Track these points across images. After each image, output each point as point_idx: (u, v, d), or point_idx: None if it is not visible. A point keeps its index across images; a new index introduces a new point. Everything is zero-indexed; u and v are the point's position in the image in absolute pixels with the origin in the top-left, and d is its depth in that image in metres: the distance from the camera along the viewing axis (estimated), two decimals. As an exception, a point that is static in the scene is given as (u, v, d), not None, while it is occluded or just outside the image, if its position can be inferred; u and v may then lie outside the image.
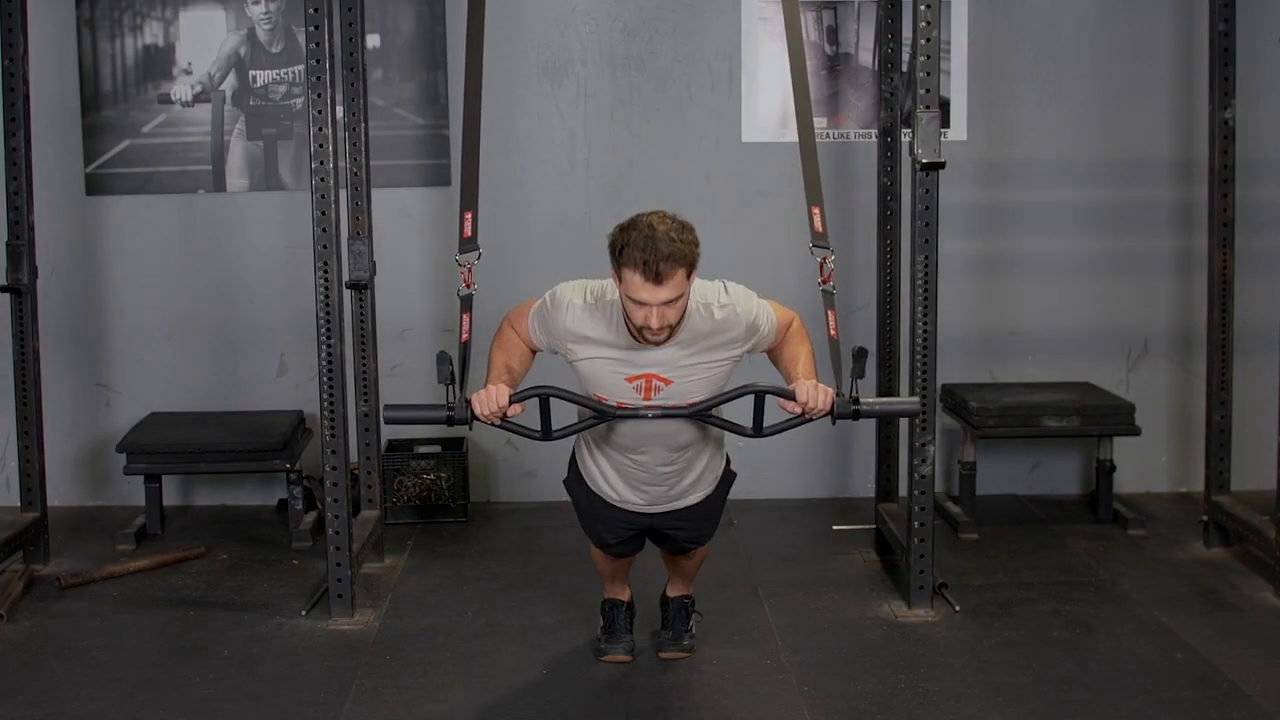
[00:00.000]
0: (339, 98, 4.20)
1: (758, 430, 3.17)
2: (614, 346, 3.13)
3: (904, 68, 4.43)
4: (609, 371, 3.15)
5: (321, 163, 3.84)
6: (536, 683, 3.61)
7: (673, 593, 3.82)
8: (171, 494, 5.24)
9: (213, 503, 5.34)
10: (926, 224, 3.92)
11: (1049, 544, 4.75)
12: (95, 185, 5.20)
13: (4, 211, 4.51)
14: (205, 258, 5.25)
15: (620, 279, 2.99)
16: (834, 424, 3.17)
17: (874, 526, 4.69)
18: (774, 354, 3.32)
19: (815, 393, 3.05)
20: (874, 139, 4.82)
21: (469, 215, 3.08)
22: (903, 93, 4.40)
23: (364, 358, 4.52)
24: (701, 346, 3.14)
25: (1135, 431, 4.97)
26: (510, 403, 3.07)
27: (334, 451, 3.97)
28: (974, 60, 5.20)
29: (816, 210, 3.18)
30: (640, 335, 3.07)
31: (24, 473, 4.48)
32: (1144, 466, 5.37)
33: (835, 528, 4.96)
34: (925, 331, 3.98)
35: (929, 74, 3.84)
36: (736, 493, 5.16)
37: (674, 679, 3.63)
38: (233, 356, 5.29)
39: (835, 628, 3.97)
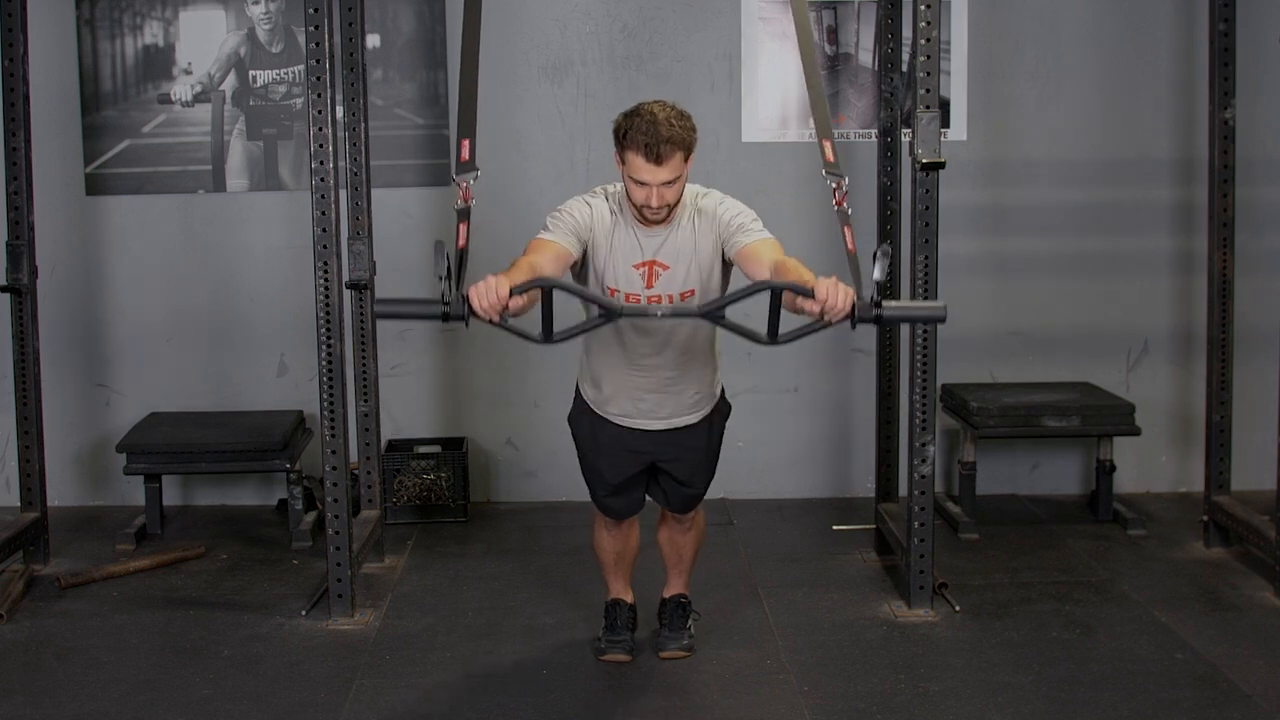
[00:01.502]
0: (339, 98, 4.21)
1: (772, 336, 2.93)
2: (623, 231, 3.29)
3: (904, 68, 4.43)
4: (620, 255, 3.28)
5: (321, 163, 3.84)
6: (536, 683, 3.61)
7: (669, 593, 3.83)
8: (171, 494, 5.24)
9: (213, 503, 5.34)
10: (926, 224, 3.92)
11: (1049, 544, 4.75)
12: (95, 185, 5.20)
13: (4, 211, 4.52)
14: (205, 258, 5.25)
15: (623, 161, 3.19)
16: (854, 328, 2.93)
17: (874, 526, 4.69)
18: (776, 275, 3.15)
19: (835, 290, 2.85)
20: (874, 139, 4.82)
21: (466, 142, 3.09)
22: (903, 93, 4.40)
23: (364, 358, 4.52)
24: (692, 233, 3.28)
25: (1135, 431, 4.97)
26: (510, 295, 2.88)
27: (334, 451, 3.97)
28: (974, 60, 5.20)
29: (827, 143, 3.21)
30: (641, 215, 3.24)
31: (24, 473, 4.48)
32: (1144, 466, 5.38)
33: (835, 528, 4.96)
34: (925, 331, 3.98)
35: (929, 74, 3.84)
36: (736, 493, 5.26)
37: (674, 679, 3.63)
38: (233, 356, 5.29)
39: (835, 628, 3.97)
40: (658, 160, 3.12)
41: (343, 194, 4.26)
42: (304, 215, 4.06)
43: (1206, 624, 3.97)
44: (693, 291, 3.29)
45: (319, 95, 3.82)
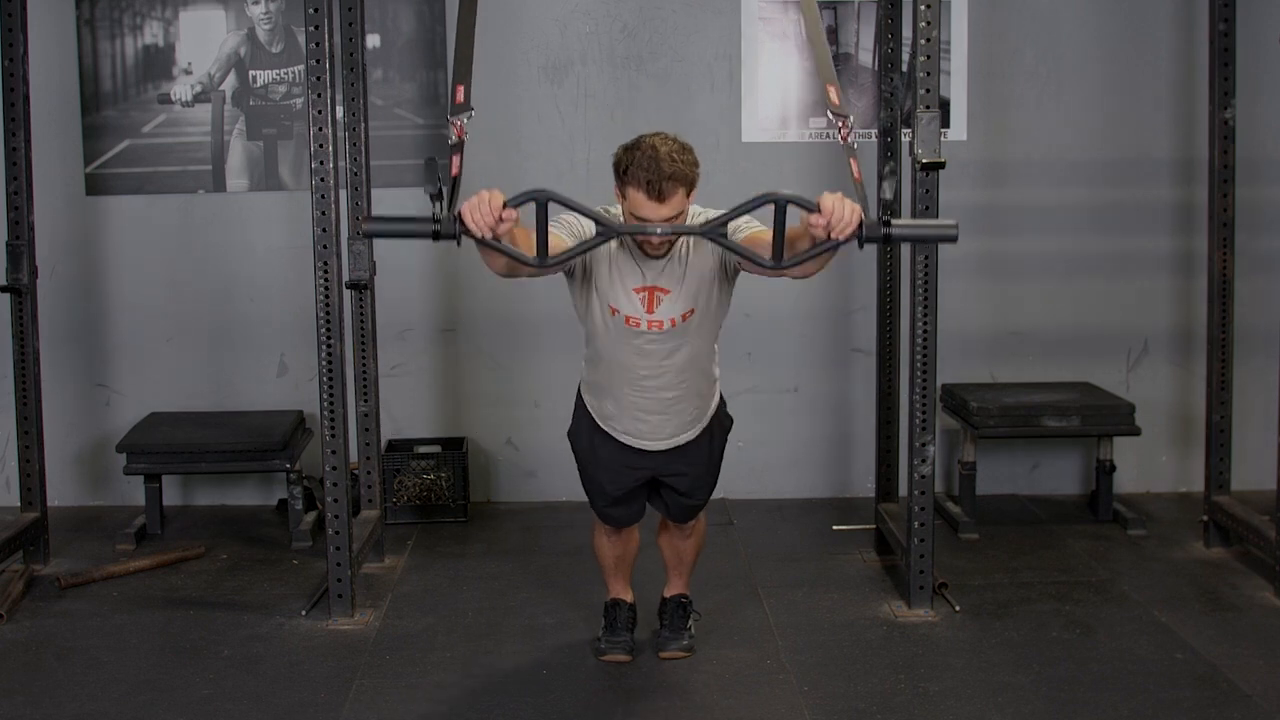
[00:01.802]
0: (339, 98, 4.20)
1: (777, 257, 2.81)
2: (624, 255, 3.25)
3: (904, 68, 4.43)
4: (620, 279, 3.25)
5: (321, 163, 3.84)
6: (536, 683, 3.61)
7: (670, 592, 3.83)
8: (171, 494, 5.24)
9: (213, 503, 5.34)
10: (926, 224, 3.91)
11: (1049, 544, 4.75)
12: (95, 185, 5.20)
13: (4, 211, 4.51)
14: (205, 258, 5.25)
15: (624, 196, 3.12)
16: (861, 247, 2.83)
17: (874, 526, 4.69)
18: (790, 242, 3.04)
19: (841, 204, 2.74)
20: (874, 139, 4.81)
21: (461, 86, 3.07)
22: (903, 93, 4.40)
23: (364, 358, 4.52)
24: (689, 256, 3.25)
25: (1135, 431, 4.97)
26: (505, 207, 2.75)
27: (334, 451, 3.97)
28: (974, 60, 5.20)
29: (831, 88, 3.17)
30: (642, 248, 3.21)
31: (24, 473, 4.48)
32: (1144, 466, 5.38)
33: (835, 528, 4.96)
34: (925, 331, 3.98)
35: (929, 74, 3.84)
36: (736, 493, 5.25)
37: (674, 679, 3.63)
38: (233, 356, 5.29)
39: (835, 628, 3.97)
40: (660, 198, 3.05)
41: (343, 194, 4.26)
42: (304, 215, 4.06)
43: (1206, 624, 3.97)
44: (693, 311, 3.26)
45: (319, 95, 3.82)
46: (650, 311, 3.25)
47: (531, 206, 2.78)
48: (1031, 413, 4.92)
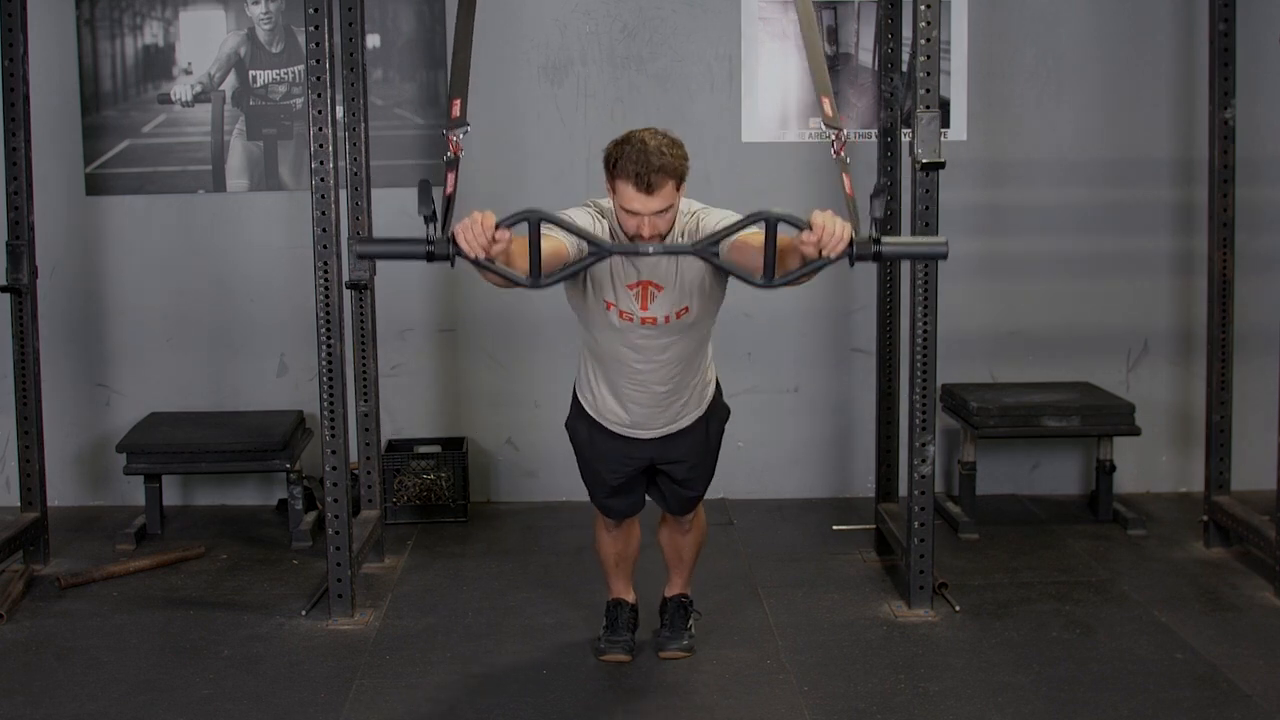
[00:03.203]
0: (339, 98, 4.21)
1: (769, 275, 2.80)
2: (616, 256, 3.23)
3: (904, 68, 4.43)
4: (616, 274, 3.25)
5: (321, 163, 3.84)
6: (536, 683, 3.61)
7: (670, 592, 3.83)
8: (171, 494, 5.24)
9: (213, 503, 5.34)
10: (926, 224, 3.91)
11: (1049, 544, 4.75)
12: (95, 185, 5.20)
13: (4, 211, 4.51)
14: (205, 258, 5.25)
15: (614, 190, 3.14)
16: (852, 265, 2.82)
17: (874, 526, 4.69)
18: (780, 256, 3.02)
19: (832, 221, 2.74)
20: (874, 139, 4.82)
21: (457, 100, 3.08)
22: (903, 93, 4.40)
23: (364, 358, 4.52)
24: (686, 257, 3.21)
25: (1135, 431, 4.97)
26: (497, 228, 2.74)
27: (334, 451, 3.97)
28: (974, 60, 5.20)
29: (826, 99, 3.18)
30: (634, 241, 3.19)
31: (24, 473, 4.48)
32: (1144, 466, 5.38)
33: (835, 528, 4.96)
34: (925, 331, 3.98)
35: (929, 74, 3.84)
36: (736, 493, 5.25)
37: (674, 679, 3.63)
38: (233, 356, 5.29)
39: (835, 628, 3.97)
40: (649, 190, 3.06)
41: (343, 194, 4.26)
42: (304, 215, 4.06)
43: (1206, 624, 3.97)
44: (687, 309, 3.27)
45: (319, 95, 3.82)
46: (644, 308, 3.26)
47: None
48: (1031, 413, 4.92)
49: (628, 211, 3.11)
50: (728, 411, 3.63)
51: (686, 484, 3.57)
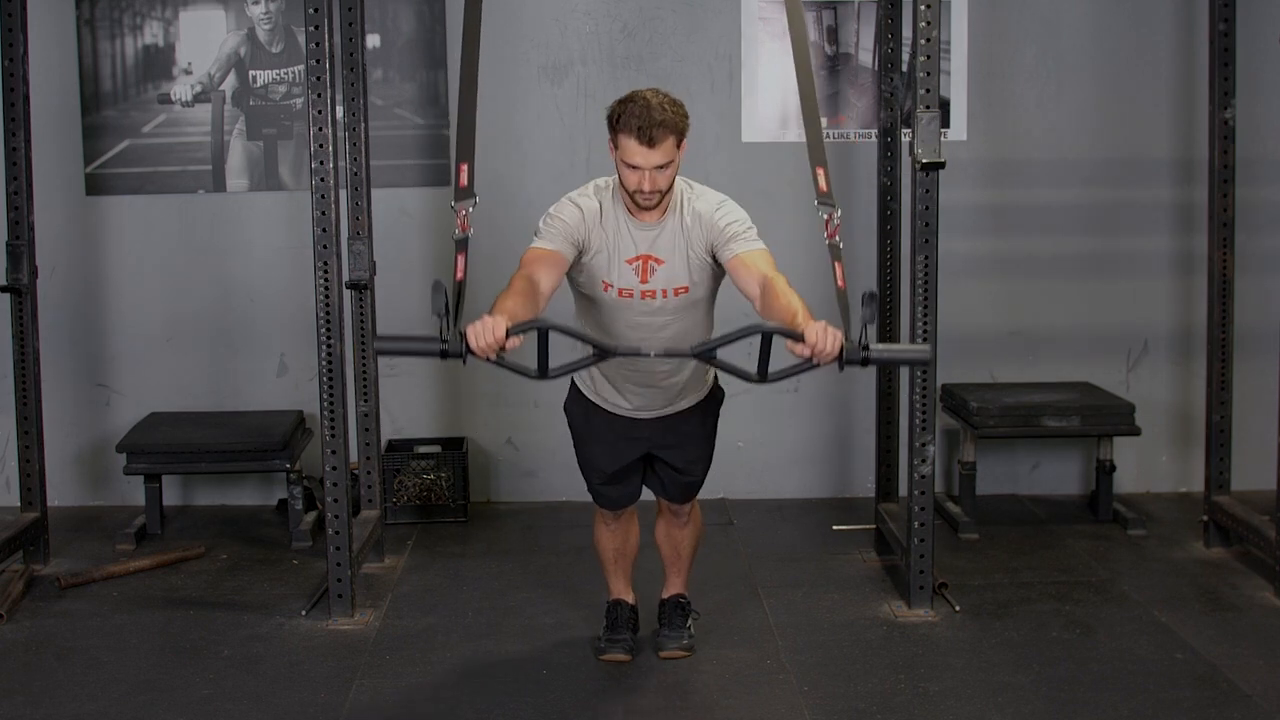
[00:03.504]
0: (339, 98, 4.21)
1: (762, 375, 2.99)
2: (617, 226, 3.29)
3: (904, 68, 4.43)
4: (614, 252, 3.29)
5: (321, 163, 3.84)
6: (536, 683, 3.61)
7: (668, 593, 3.83)
8: (171, 494, 5.24)
9: (213, 503, 5.34)
10: (926, 224, 3.92)
11: (1049, 544, 4.75)
12: (95, 185, 5.20)
13: (4, 211, 4.51)
14: (205, 258, 5.25)
15: (616, 145, 3.22)
16: (841, 370, 2.98)
17: (874, 526, 4.69)
18: (765, 301, 3.19)
19: (824, 335, 2.88)
20: (874, 139, 4.82)
21: (464, 166, 3.09)
22: (903, 93, 4.40)
23: (364, 358, 4.52)
24: (684, 228, 3.29)
25: (1135, 431, 4.97)
26: (508, 335, 2.92)
27: (334, 451, 3.97)
28: (974, 60, 5.20)
29: (821, 170, 3.20)
30: (634, 200, 3.24)
31: (24, 473, 4.48)
32: (1144, 466, 5.38)
33: (835, 528, 4.96)
34: (925, 331, 3.98)
35: (929, 74, 3.84)
36: (736, 493, 5.25)
37: (674, 679, 3.63)
38: (233, 356, 5.29)
39: (835, 628, 3.97)
40: (650, 143, 3.14)
41: (343, 194, 4.26)
42: (304, 215, 4.06)
43: (1206, 624, 3.97)
44: (687, 288, 3.30)
45: (319, 95, 3.82)
46: (644, 281, 3.29)
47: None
48: (1031, 413, 4.92)
49: (629, 166, 3.18)
50: (723, 394, 3.64)
51: (685, 470, 3.58)
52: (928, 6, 3.81)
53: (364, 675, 3.64)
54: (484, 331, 2.86)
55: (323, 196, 3.85)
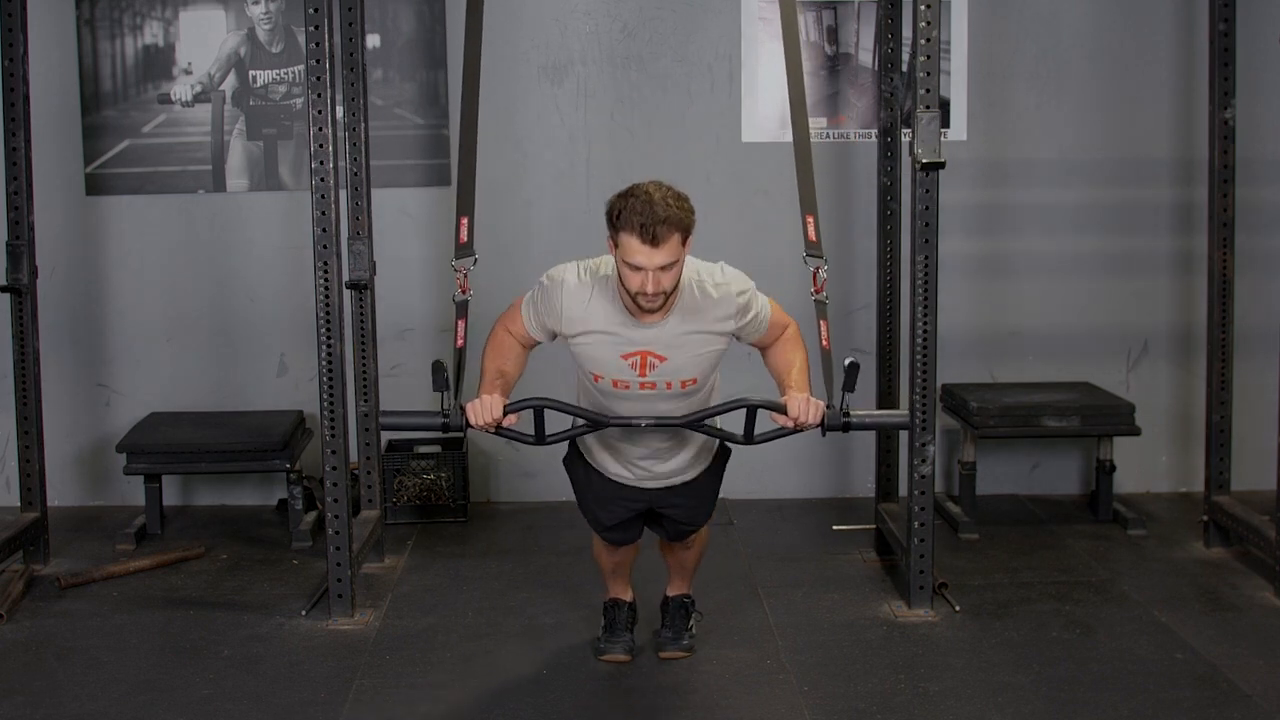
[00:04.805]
0: (339, 98, 4.20)
1: (748, 439, 3.27)
2: (610, 322, 3.16)
3: (904, 68, 4.43)
4: (606, 348, 3.18)
5: (321, 163, 3.84)
6: (536, 683, 3.61)
7: (672, 592, 3.82)
8: (171, 494, 5.24)
9: (213, 503, 5.34)
10: (926, 224, 3.92)
11: (1049, 544, 4.75)
12: (95, 185, 5.20)
13: (4, 211, 4.51)
14: (205, 258, 5.25)
15: (617, 244, 3.04)
16: (824, 435, 3.24)
17: (874, 526, 4.69)
18: (767, 355, 3.34)
19: (806, 407, 3.11)
20: (874, 139, 4.81)
21: (464, 221, 3.09)
22: (903, 93, 4.40)
23: (364, 358, 4.51)
24: (695, 323, 3.17)
25: (1135, 431, 4.97)
26: (505, 414, 3.15)
27: (334, 451, 3.97)
28: (974, 60, 5.20)
29: (810, 219, 3.19)
30: (636, 303, 3.10)
31: (24, 473, 4.48)
32: (1144, 466, 5.38)
33: (835, 528, 4.96)
34: (925, 331, 3.98)
35: (929, 74, 3.84)
36: (736, 493, 5.25)
37: (674, 679, 3.63)
38: (233, 356, 5.29)
39: (835, 628, 3.97)
40: (654, 242, 2.95)
41: (343, 194, 4.26)
42: (304, 215, 4.06)
43: (1206, 624, 3.97)
44: (695, 380, 3.21)
45: (319, 95, 3.82)
46: (643, 374, 3.18)
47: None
48: (1031, 413, 4.92)
49: (631, 266, 3.00)
50: (729, 454, 3.56)
51: (689, 522, 3.55)
52: (928, 6, 3.81)
53: (364, 675, 3.64)
54: (483, 411, 3.12)
55: (323, 196, 3.85)
